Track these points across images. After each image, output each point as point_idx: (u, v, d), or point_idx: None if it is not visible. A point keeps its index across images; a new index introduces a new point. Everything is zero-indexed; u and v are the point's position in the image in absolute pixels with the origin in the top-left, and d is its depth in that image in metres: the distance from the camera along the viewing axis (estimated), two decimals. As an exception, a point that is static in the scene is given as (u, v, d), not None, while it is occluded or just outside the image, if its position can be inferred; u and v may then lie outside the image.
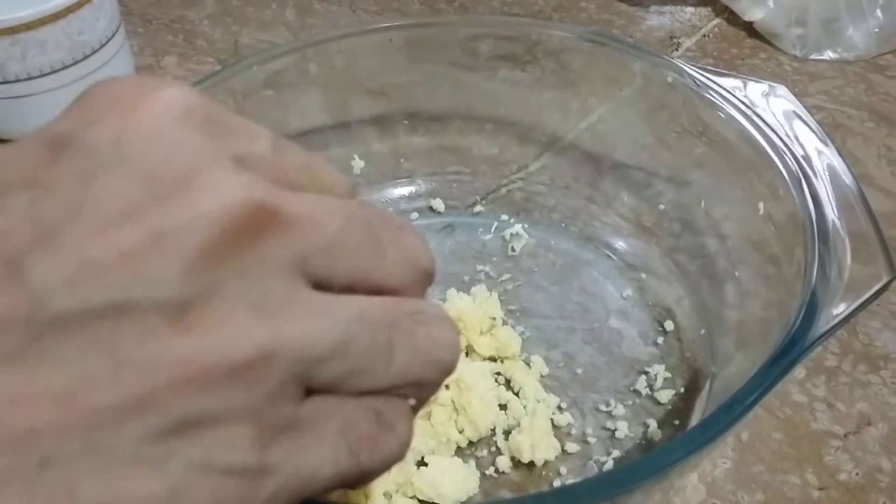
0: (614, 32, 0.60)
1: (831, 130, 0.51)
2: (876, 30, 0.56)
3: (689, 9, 0.62)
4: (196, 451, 0.15)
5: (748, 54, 0.58)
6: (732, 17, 0.60)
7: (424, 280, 0.19)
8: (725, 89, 0.38)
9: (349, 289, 0.18)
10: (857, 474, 0.35)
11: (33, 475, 0.14)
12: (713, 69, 0.39)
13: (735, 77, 0.39)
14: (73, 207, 0.15)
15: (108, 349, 0.14)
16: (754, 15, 0.58)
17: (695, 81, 0.39)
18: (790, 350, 0.28)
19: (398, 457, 0.19)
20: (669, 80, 0.40)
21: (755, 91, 0.38)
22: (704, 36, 0.60)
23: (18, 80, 0.50)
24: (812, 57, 0.57)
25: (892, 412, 0.37)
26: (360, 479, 0.18)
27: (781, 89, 0.38)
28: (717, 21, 0.61)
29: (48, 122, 0.17)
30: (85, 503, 0.14)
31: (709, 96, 0.39)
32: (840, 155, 0.35)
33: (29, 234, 0.15)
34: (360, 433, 0.18)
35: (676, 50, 0.59)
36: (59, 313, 0.14)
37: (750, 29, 0.59)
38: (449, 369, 0.19)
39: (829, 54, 0.57)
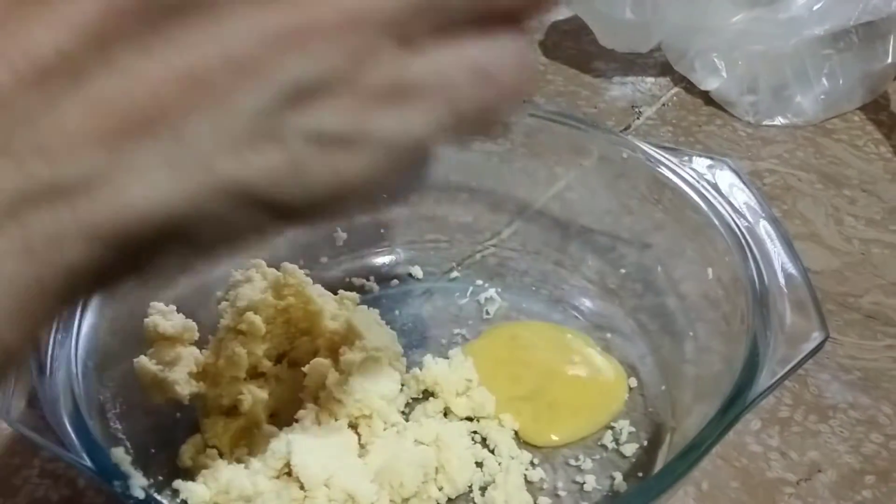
0: (579, 103, 0.64)
1: (783, 192, 0.55)
2: (822, 96, 0.60)
3: (650, 79, 0.66)
4: (307, 122, 0.16)
5: (705, 121, 0.62)
6: (690, 87, 0.64)
7: None
8: (675, 163, 0.42)
9: None
10: (808, 518, 0.37)
11: (173, 153, 0.16)
12: (664, 145, 0.43)
13: (684, 152, 0.42)
14: None
15: (215, 29, 0.15)
16: (710, 84, 0.62)
17: (647, 157, 0.42)
18: (732, 407, 0.31)
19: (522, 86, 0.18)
20: (624, 155, 0.44)
21: (702, 164, 0.42)
22: (664, 105, 0.64)
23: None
24: (764, 123, 0.61)
25: (840, 459, 0.40)
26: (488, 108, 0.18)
27: (725, 163, 0.41)
28: (675, 90, 0.65)
29: None
30: (221, 177, 0.16)
31: (660, 170, 0.42)
32: (778, 223, 0.38)
33: None
34: (464, 95, 0.17)
35: (638, 118, 0.62)
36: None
37: (706, 97, 0.63)
38: None
39: (779, 120, 0.61)
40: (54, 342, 0.35)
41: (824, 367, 0.44)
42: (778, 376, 0.32)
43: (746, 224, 0.39)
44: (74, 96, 0.15)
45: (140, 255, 0.17)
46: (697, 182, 0.41)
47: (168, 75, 0.15)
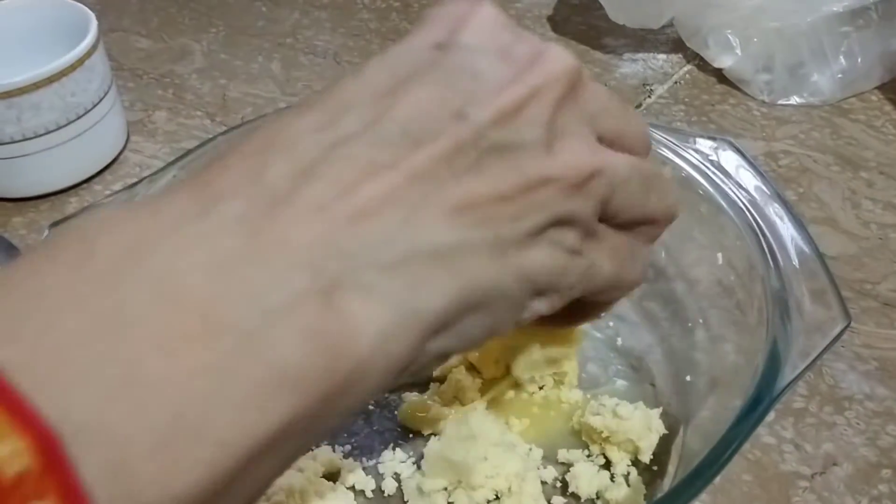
0: (589, 81, 0.63)
1: (798, 174, 0.54)
2: (839, 75, 0.59)
3: (661, 56, 0.64)
4: (558, 237, 0.24)
5: (718, 100, 0.60)
6: (703, 64, 0.62)
7: (670, 214, 0.29)
8: (678, 145, 0.40)
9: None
10: (823, 514, 0.36)
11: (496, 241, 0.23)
12: (665, 126, 0.41)
13: (686, 134, 0.41)
14: (473, 78, 0.23)
15: (515, 168, 0.23)
16: (723, 62, 0.60)
17: (651, 139, 0.41)
18: (757, 404, 0.30)
19: (639, 278, 0.29)
20: None
21: (705, 146, 0.40)
22: (676, 83, 0.62)
23: (14, 142, 0.52)
24: (779, 102, 0.59)
25: (856, 452, 0.38)
26: (615, 288, 0.28)
27: (728, 143, 0.40)
28: (688, 68, 0.63)
29: (419, 32, 0.25)
30: (510, 269, 0.23)
31: (663, 152, 0.40)
32: (788, 204, 0.37)
33: (461, 97, 0.23)
34: (623, 254, 0.27)
35: (649, 97, 0.61)
36: (489, 142, 0.22)
37: (720, 75, 0.61)
38: (673, 210, 0.29)
39: (795, 99, 0.59)
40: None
41: (840, 356, 0.43)
42: (800, 369, 0.31)
43: (755, 206, 0.37)
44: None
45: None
46: (702, 164, 0.40)
47: (510, 188, 0.23)
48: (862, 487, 0.37)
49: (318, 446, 0.38)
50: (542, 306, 0.25)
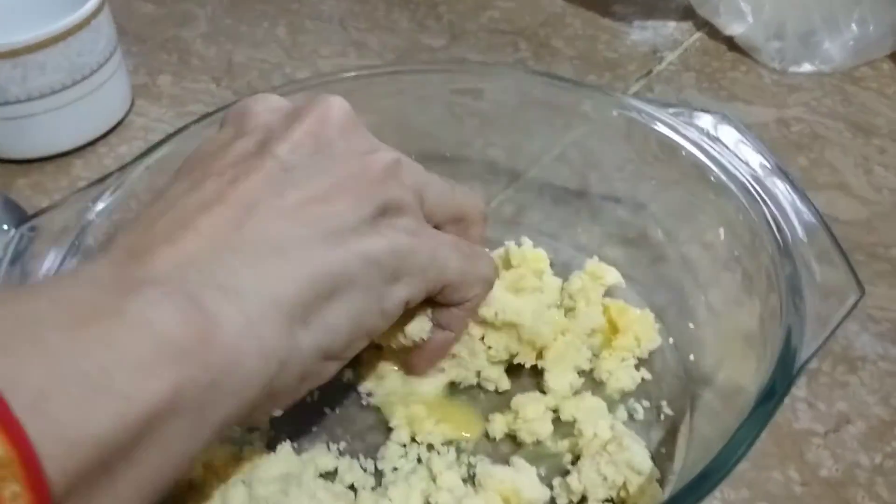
0: (599, 48, 0.62)
1: (810, 141, 0.53)
2: (851, 42, 0.58)
3: (672, 23, 0.64)
4: (393, 222, 0.29)
5: (729, 67, 0.60)
6: (713, 32, 0.62)
7: (479, 210, 0.36)
8: (675, 120, 0.39)
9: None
10: (836, 470, 0.36)
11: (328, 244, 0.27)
12: (659, 100, 0.41)
13: (682, 107, 0.40)
14: (270, 130, 0.30)
15: (327, 175, 0.28)
16: (734, 29, 0.60)
17: (645, 115, 0.40)
18: (781, 377, 0.29)
19: (490, 277, 0.34)
20: (615, 113, 0.41)
21: (703, 120, 0.39)
22: (686, 50, 0.62)
23: (19, 102, 0.51)
24: (791, 70, 0.59)
25: (868, 411, 0.38)
26: (470, 282, 0.33)
27: (725, 116, 0.39)
28: (698, 35, 0.63)
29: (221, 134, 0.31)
30: (352, 254, 0.27)
31: (659, 128, 0.40)
32: (787, 174, 0.36)
33: (263, 141, 0.29)
34: (465, 250, 0.32)
35: (659, 64, 0.60)
36: (292, 165, 0.28)
37: (730, 43, 0.61)
38: (481, 207, 0.36)
39: (806, 67, 0.59)
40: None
41: (853, 317, 0.41)
42: (817, 345, 0.30)
43: (757, 179, 0.36)
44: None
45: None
46: (700, 139, 0.39)
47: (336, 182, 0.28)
48: (875, 444, 0.37)
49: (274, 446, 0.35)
50: (402, 292, 0.29)
